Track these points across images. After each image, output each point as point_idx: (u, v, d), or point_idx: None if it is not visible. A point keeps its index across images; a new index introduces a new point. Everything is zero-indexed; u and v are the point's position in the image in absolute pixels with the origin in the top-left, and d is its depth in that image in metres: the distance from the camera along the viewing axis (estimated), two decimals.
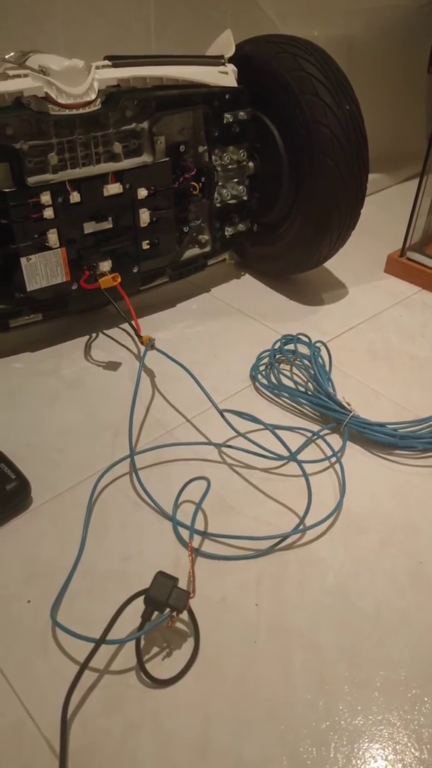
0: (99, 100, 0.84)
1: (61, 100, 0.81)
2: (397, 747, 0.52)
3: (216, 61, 0.96)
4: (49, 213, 0.85)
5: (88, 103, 0.84)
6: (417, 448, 0.79)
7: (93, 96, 0.84)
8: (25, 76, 0.80)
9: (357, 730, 0.53)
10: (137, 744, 0.52)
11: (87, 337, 1.00)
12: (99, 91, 0.84)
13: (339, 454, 0.78)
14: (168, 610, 0.57)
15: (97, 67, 0.85)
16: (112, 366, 0.94)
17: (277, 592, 0.63)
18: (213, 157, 0.99)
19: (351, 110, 0.91)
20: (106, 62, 0.86)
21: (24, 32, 1.08)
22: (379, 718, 0.54)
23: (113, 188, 0.89)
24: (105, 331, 1.01)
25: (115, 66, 0.87)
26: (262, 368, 0.92)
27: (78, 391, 0.89)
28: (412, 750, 0.52)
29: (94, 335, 1.01)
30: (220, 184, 1.03)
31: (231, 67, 0.97)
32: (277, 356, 0.94)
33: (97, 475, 0.74)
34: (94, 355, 0.96)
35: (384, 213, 1.41)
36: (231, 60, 0.98)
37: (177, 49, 0.96)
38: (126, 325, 1.02)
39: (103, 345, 0.99)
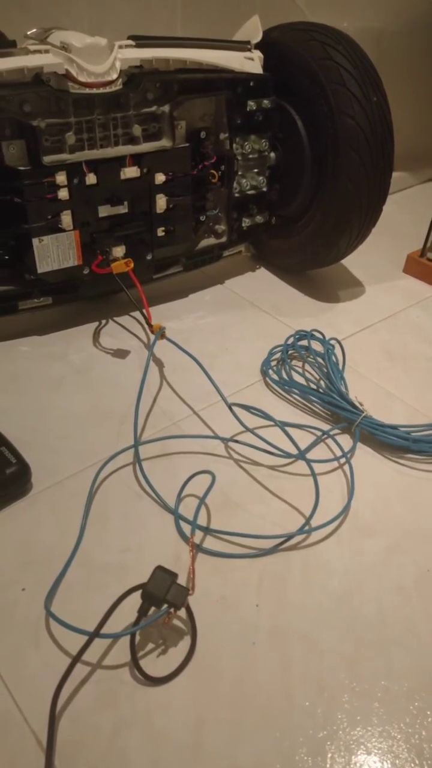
0: (120, 80, 0.82)
1: (82, 78, 0.79)
2: (397, 761, 0.50)
3: (242, 46, 0.94)
4: (63, 194, 0.83)
5: (109, 83, 0.82)
6: (430, 452, 0.77)
7: (114, 76, 0.82)
8: (46, 51, 0.79)
9: (355, 741, 0.51)
10: (127, 742, 0.50)
11: (96, 323, 0.98)
12: (121, 71, 0.82)
13: (349, 455, 0.76)
14: (165, 606, 0.55)
15: (120, 47, 0.83)
16: (121, 354, 0.92)
17: (278, 593, 0.61)
18: (234, 145, 0.97)
19: (378, 102, 0.88)
20: (130, 42, 0.84)
21: (49, 14, 1.06)
22: (378, 730, 0.52)
23: (131, 172, 0.87)
24: (115, 319, 1.00)
25: (138, 46, 0.84)
26: (273, 363, 0.90)
27: (84, 377, 0.87)
28: (412, 765, 0.50)
29: (103, 322, 0.99)
30: (239, 173, 1.01)
31: (257, 54, 0.94)
32: (290, 352, 0.92)
33: (99, 464, 0.72)
34: (103, 341, 0.95)
35: (405, 212, 1.38)
36: (257, 46, 0.95)
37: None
38: (137, 314, 1.00)
39: (112, 332, 0.97)
